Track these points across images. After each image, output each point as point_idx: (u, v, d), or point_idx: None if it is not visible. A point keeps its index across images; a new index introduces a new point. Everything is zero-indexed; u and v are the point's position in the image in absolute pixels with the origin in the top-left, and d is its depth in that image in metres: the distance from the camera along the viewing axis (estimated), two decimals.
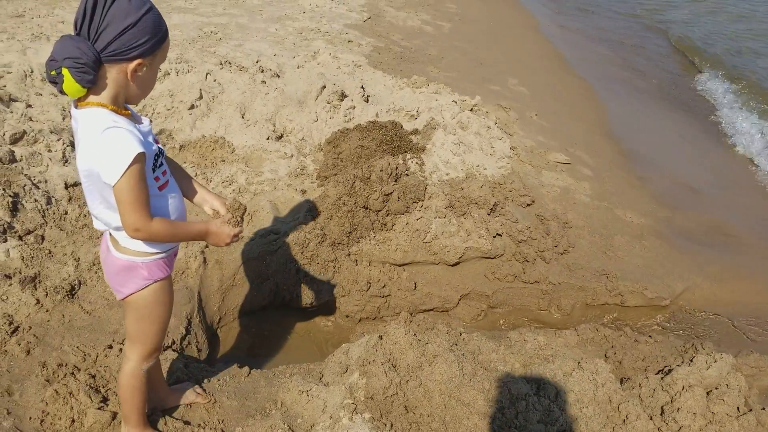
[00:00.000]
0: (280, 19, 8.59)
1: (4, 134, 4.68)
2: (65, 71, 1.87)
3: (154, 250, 2.26)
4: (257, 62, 6.40)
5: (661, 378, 3.16)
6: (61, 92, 1.91)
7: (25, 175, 4.29)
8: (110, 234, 2.26)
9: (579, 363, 3.13)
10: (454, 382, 2.82)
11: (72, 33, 1.93)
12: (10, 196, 4.04)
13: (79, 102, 2.02)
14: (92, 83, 1.94)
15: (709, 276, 4.70)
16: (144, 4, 1.95)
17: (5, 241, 3.77)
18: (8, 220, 3.91)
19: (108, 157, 1.95)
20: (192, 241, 2.39)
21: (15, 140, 4.65)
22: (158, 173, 2.17)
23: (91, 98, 2.00)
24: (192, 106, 5.38)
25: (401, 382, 2.86)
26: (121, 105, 2.08)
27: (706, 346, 3.76)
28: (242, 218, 2.43)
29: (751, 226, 5.59)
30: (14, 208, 4.01)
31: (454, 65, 8.11)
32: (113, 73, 1.98)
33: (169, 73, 5.65)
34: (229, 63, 6.20)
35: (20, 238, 3.86)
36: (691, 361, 3.19)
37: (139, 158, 1.98)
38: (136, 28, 1.92)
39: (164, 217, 2.19)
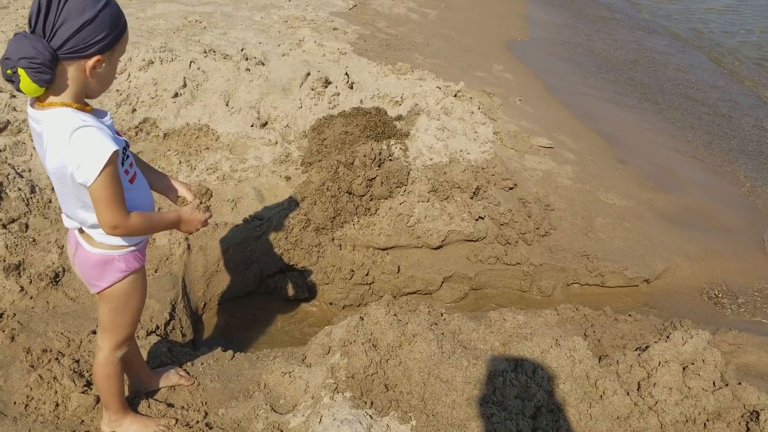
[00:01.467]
0: (265, 7, 8.58)
1: None
2: (21, 71, 1.82)
3: (131, 243, 2.28)
4: (242, 50, 6.40)
5: (638, 354, 3.21)
6: (18, 91, 1.87)
7: (9, 164, 4.29)
8: (81, 231, 2.25)
9: (557, 340, 3.18)
10: (433, 360, 2.87)
11: (26, 30, 1.89)
12: None
13: (38, 102, 1.97)
14: (50, 82, 1.89)
15: (690, 256, 4.77)
16: None
17: None
18: None
19: (82, 158, 1.92)
20: (166, 230, 2.40)
21: None
22: (126, 166, 2.16)
23: (53, 98, 1.95)
24: (176, 95, 5.39)
25: (381, 361, 2.91)
26: (83, 101, 2.04)
27: (684, 324, 3.82)
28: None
29: (732, 208, 5.66)
30: None
31: (440, 52, 8.13)
32: (72, 71, 1.93)
33: (153, 62, 5.65)
34: (214, 51, 6.20)
35: (4, 226, 3.87)
36: (668, 337, 3.24)
37: (114, 156, 1.96)
38: (93, 24, 1.87)
39: (138, 209, 2.19)
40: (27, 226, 3.96)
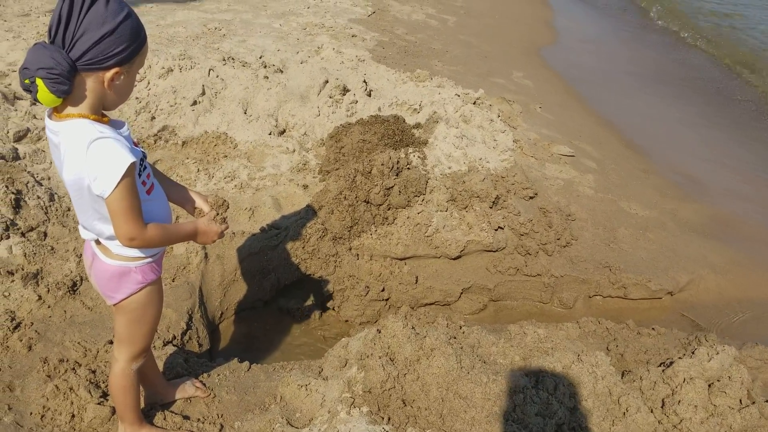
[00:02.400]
0: (284, 14, 8.59)
1: (8, 132, 4.71)
2: (39, 81, 1.81)
3: (148, 254, 2.27)
4: (260, 58, 6.41)
5: (662, 370, 3.13)
6: (36, 101, 1.87)
7: (28, 172, 4.31)
8: (97, 242, 2.24)
9: (579, 355, 3.11)
10: (451, 375, 2.81)
11: (46, 40, 1.88)
12: (13, 193, 4.06)
13: (56, 113, 1.96)
14: (68, 93, 1.88)
15: (715, 268, 4.66)
16: (122, 9, 1.90)
17: (8, 237, 3.79)
18: (11, 216, 3.93)
19: (99, 170, 1.91)
20: (183, 242, 2.38)
21: (19, 138, 4.68)
22: (144, 177, 2.15)
23: (70, 109, 1.94)
24: (195, 102, 5.39)
25: (399, 375, 2.86)
26: (100, 113, 2.03)
27: (709, 338, 3.72)
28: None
29: (758, 218, 5.53)
30: (17, 205, 4.04)
31: (459, 59, 8.08)
32: (90, 82, 1.92)
33: (172, 70, 5.67)
34: (232, 59, 6.21)
35: (23, 234, 3.88)
36: (693, 353, 3.16)
37: (131, 168, 1.95)
38: (113, 36, 1.87)
39: (155, 221, 2.18)
40: (45, 235, 3.97)
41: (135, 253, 2.22)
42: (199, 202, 2.49)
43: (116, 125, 2.12)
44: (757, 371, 3.69)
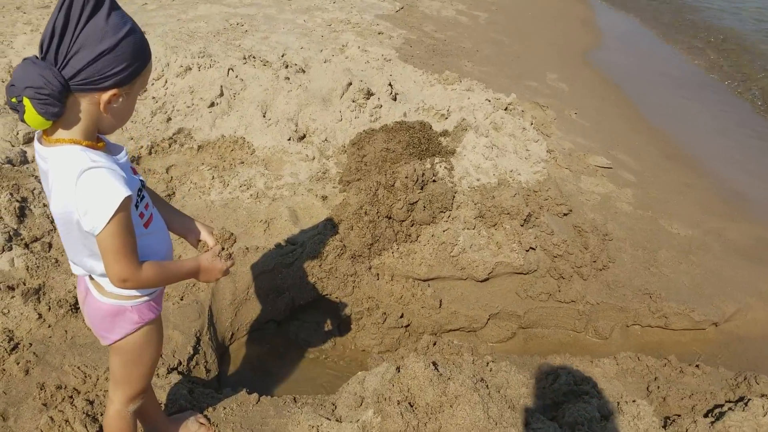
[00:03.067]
0: (308, 9, 8.32)
1: (17, 133, 4.53)
2: (26, 101, 1.59)
3: (145, 293, 2.04)
4: (282, 56, 6.14)
5: (711, 423, 2.82)
6: (23, 122, 1.64)
7: (35, 177, 4.12)
8: (90, 276, 2.02)
9: (618, 404, 2.82)
10: (477, 427, 2.54)
11: (37, 55, 1.66)
12: (17, 201, 3.87)
13: (45, 136, 1.74)
14: (58, 116, 1.66)
15: (764, 296, 4.30)
16: (124, 24, 1.67)
17: (10, 249, 3.60)
18: (14, 226, 3.74)
19: (90, 204, 1.70)
20: (183, 280, 2.15)
21: (28, 140, 4.50)
22: (141, 208, 1.93)
23: (61, 133, 1.72)
24: (212, 104, 5.16)
25: (419, 425, 2.59)
26: (95, 137, 1.81)
27: (760, 381, 3.39)
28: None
29: None
30: (21, 214, 3.85)
31: (490, 59, 7.74)
32: (84, 104, 1.70)
33: (190, 68, 5.44)
34: (253, 57, 5.96)
35: (26, 246, 3.69)
36: (746, 405, 2.84)
37: (126, 202, 1.73)
38: (112, 54, 1.65)
39: (153, 257, 1.96)
40: (50, 246, 3.77)
41: (131, 291, 2.00)
42: (204, 235, 2.25)
43: (113, 150, 1.90)
44: None
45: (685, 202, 5.22)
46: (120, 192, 1.71)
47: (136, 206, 1.88)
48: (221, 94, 5.22)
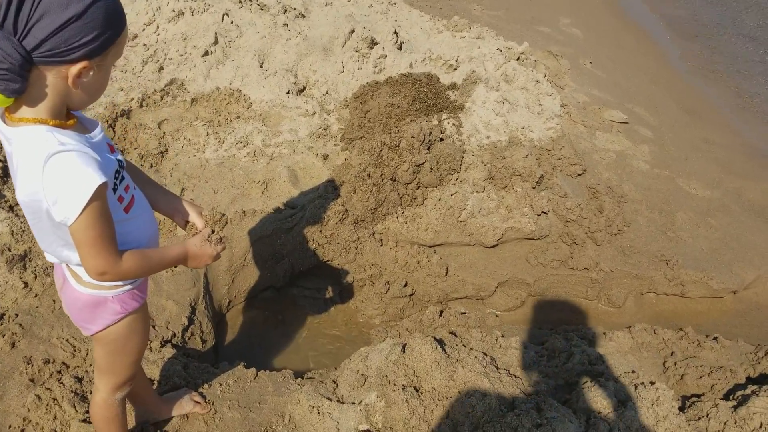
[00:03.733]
0: None
1: None
2: None
3: (127, 281, 1.86)
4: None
5: (734, 409, 2.67)
6: None
7: None
8: (67, 265, 1.82)
9: (636, 387, 2.66)
10: (487, 416, 2.39)
11: None
12: (1, 160, 3.66)
13: (8, 113, 1.52)
14: (20, 92, 1.43)
15: None
16: None
17: None
18: None
19: (59, 193, 1.50)
20: (169, 268, 1.95)
21: None
22: (120, 191, 1.71)
23: (25, 111, 1.50)
24: (206, 53, 4.86)
25: (425, 411, 2.44)
26: (63, 114, 1.58)
27: None
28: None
29: None
30: (5, 174, 3.64)
31: (500, 2, 7.32)
32: (50, 78, 1.48)
33: (183, 13, 5.10)
34: (250, 0, 5.60)
35: (11, 208, 3.48)
36: None
37: (101, 190, 1.52)
38: (81, 22, 1.42)
39: (134, 244, 1.76)
40: None
41: (108, 282, 1.80)
42: (193, 216, 2.04)
43: (86, 126, 1.67)
44: None
45: (704, 160, 4.97)
46: (93, 179, 1.50)
47: (114, 190, 1.67)
48: (216, 42, 4.92)
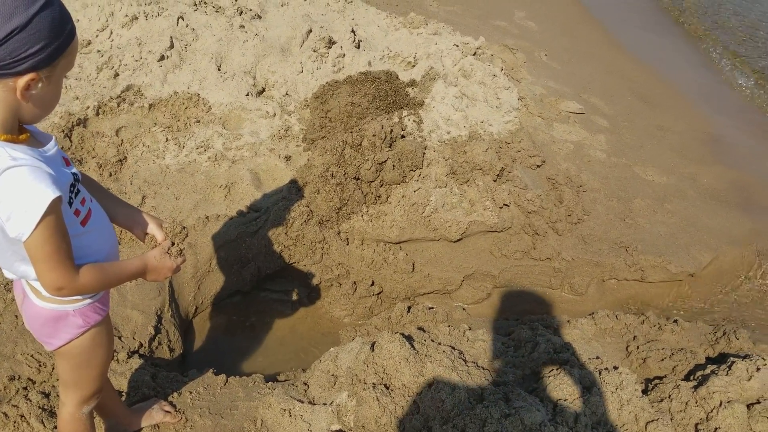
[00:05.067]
0: None
1: None
2: None
3: (87, 295, 1.83)
4: (236, 1, 5.74)
5: (694, 388, 2.76)
6: None
7: None
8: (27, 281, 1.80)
9: (600, 373, 2.73)
10: (457, 409, 2.43)
11: None
12: None
13: None
14: None
15: (738, 242, 4.24)
16: None
17: None
18: None
19: (12, 210, 1.48)
20: (127, 281, 1.93)
21: None
22: (77, 205, 1.69)
23: None
24: (162, 57, 4.79)
25: (396, 408, 2.47)
26: (15, 128, 1.56)
27: (739, 336, 3.35)
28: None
29: None
30: None
31: None
32: None
33: (137, 17, 5.03)
34: (204, 3, 5.54)
35: None
36: (729, 368, 2.78)
37: (55, 204, 1.51)
38: (25, 33, 1.41)
39: (92, 257, 1.75)
40: None
41: (65, 297, 1.79)
42: (152, 228, 2.03)
43: (40, 140, 1.65)
44: None
45: (659, 147, 5.10)
46: (46, 194, 1.48)
47: (70, 204, 1.65)
48: (171, 46, 4.86)
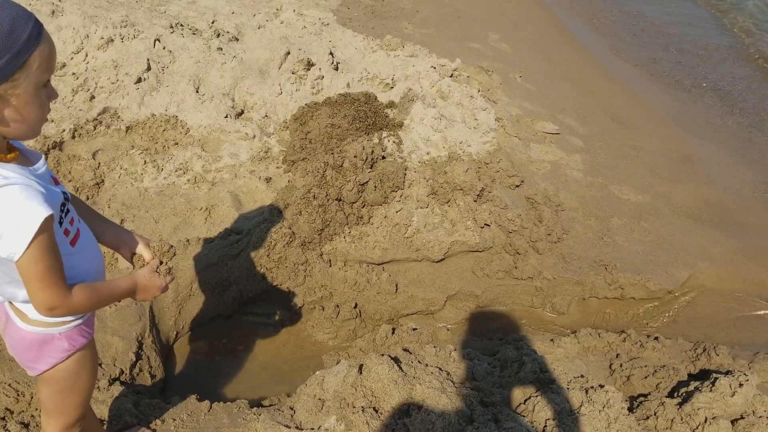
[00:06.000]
0: None
1: None
2: None
3: (74, 317, 1.81)
4: (212, 23, 5.74)
5: (679, 405, 2.79)
6: None
7: None
8: (11, 303, 1.76)
9: (587, 392, 2.75)
10: (447, 431, 2.41)
11: None
12: None
13: None
14: None
15: (714, 260, 4.32)
16: None
17: None
18: None
19: (4, 228, 1.46)
20: (118, 301, 1.91)
21: None
22: (66, 224, 1.68)
23: None
24: (139, 79, 4.76)
25: None
26: (3, 147, 1.53)
27: (719, 352, 3.40)
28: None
29: (753, 199, 5.20)
30: None
31: (430, 20, 7.47)
32: None
33: (112, 40, 4.99)
34: (181, 25, 5.54)
35: None
36: (713, 384, 2.82)
37: (47, 223, 1.50)
38: None
39: (81, 278, 1.74)
40: None
41: (59, 318, 1.76)
42: (140, 248, 2.01)
43: (29, 158, 1.63)
44: None
45: (633, 166, 5.20)
46: (38, 212, 1.47)
47: (60, 223, 1.64)
48: (148, 68, 4.83)
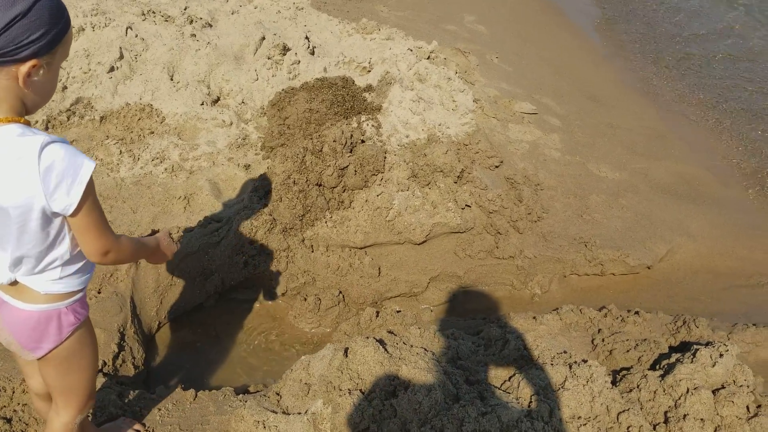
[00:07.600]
0: None
1: None
2: None
3: (78, 288, 1.85)
4: (185, 9, 5.65)
5: (661, 377, 2.83)
6: None
7: None
8: (13, 283, 1.76)
9: (570, 367, 2.78)
10: (434, 410, 2.43)
11: None
12: None
13: None
14: None
15: (691, 234, 4.39)
16: None
17: None
18: None
19: (59, 181, 1.53)
20: (142, 258, 1.99)
21: None
22: None
23: None
24: (112, 68, 4.68)
25: (374, 413, 2.46)
26: (23, 113, 1.59)
27: (699, 324, 3.46)
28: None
29: (728, 175, 5.28)
30: None
31: (405, 2, 7.43)
32: (1, 80, 1.49)
33: (83, 29, 4.90)
34: (153, 12, 5.44)
35: None
36: (694, 356, 2.87)
37: (92, 174, 1.62)
38: (27, 20, 1.45)
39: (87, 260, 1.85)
40: None
41: (66, 288, 1.80)
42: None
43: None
44: (747, 354, 3.47)
45: (610, 144, 5.24)
46: (87, 164, 1.57)
47: None
48: (121, 57, 4.75)
